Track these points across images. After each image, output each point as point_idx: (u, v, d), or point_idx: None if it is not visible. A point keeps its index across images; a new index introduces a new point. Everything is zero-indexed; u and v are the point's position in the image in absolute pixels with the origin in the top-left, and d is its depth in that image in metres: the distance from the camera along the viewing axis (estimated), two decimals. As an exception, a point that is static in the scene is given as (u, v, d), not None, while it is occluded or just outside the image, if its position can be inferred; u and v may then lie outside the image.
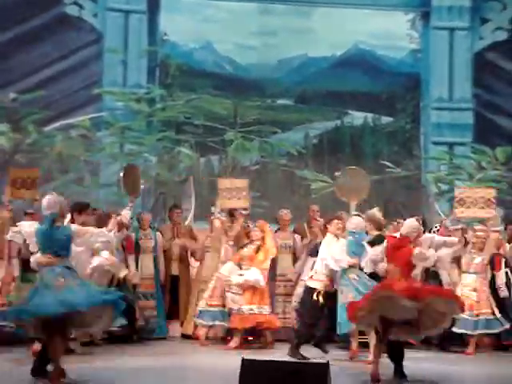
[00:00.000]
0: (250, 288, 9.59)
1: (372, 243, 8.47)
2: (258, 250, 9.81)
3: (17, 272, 9.17)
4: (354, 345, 9.02)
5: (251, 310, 9.58)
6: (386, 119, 14.28)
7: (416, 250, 7.87)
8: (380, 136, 14.20)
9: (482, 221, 9.75)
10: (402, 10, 14.29)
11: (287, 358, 8.51)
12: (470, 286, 9.69)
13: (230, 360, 8.07)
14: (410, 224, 8.01)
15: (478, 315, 9.54)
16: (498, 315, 9.56)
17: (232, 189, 10.00)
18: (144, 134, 13.67)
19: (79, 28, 13.60)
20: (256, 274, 9.63)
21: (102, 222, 8.49)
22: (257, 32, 14.01)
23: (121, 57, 13.62)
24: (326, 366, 6.66)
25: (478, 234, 9.73)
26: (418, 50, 14.29)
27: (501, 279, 9.83)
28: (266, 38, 14.03)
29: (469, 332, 9.49)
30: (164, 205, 12.53)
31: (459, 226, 9.76)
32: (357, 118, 14.22)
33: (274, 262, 10.07)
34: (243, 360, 6.68)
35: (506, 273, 9.84)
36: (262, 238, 9.84)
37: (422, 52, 14.24)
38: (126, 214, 8.74)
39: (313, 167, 13.69)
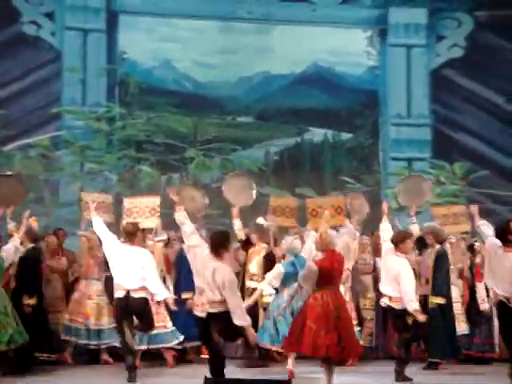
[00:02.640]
0: None
1: None
2: None
3: None
4: None
5: None
6: (345, 135, 14.37)
7: None
8: (340, 152, 14.28)
9: None
10: (359, 27, 14.41)
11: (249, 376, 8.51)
12: None
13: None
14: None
15: None
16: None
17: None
18: (104, 152, 13.60)
19: (37, 47, 13.51)
20: None
21: None
22: (216, 50, 14.03)
23: (80, 75, 13.55)
24: (288, 382, 6.67)
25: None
26: (376, 66, 14.42)
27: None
28: (226, 56, 14.06)
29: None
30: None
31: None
32: (317, 134, 14.29)
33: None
34: (205, 378, 6.66)
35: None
36: None
37: (379, 69, 14.38)
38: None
39: (274, 184, 13.72)
